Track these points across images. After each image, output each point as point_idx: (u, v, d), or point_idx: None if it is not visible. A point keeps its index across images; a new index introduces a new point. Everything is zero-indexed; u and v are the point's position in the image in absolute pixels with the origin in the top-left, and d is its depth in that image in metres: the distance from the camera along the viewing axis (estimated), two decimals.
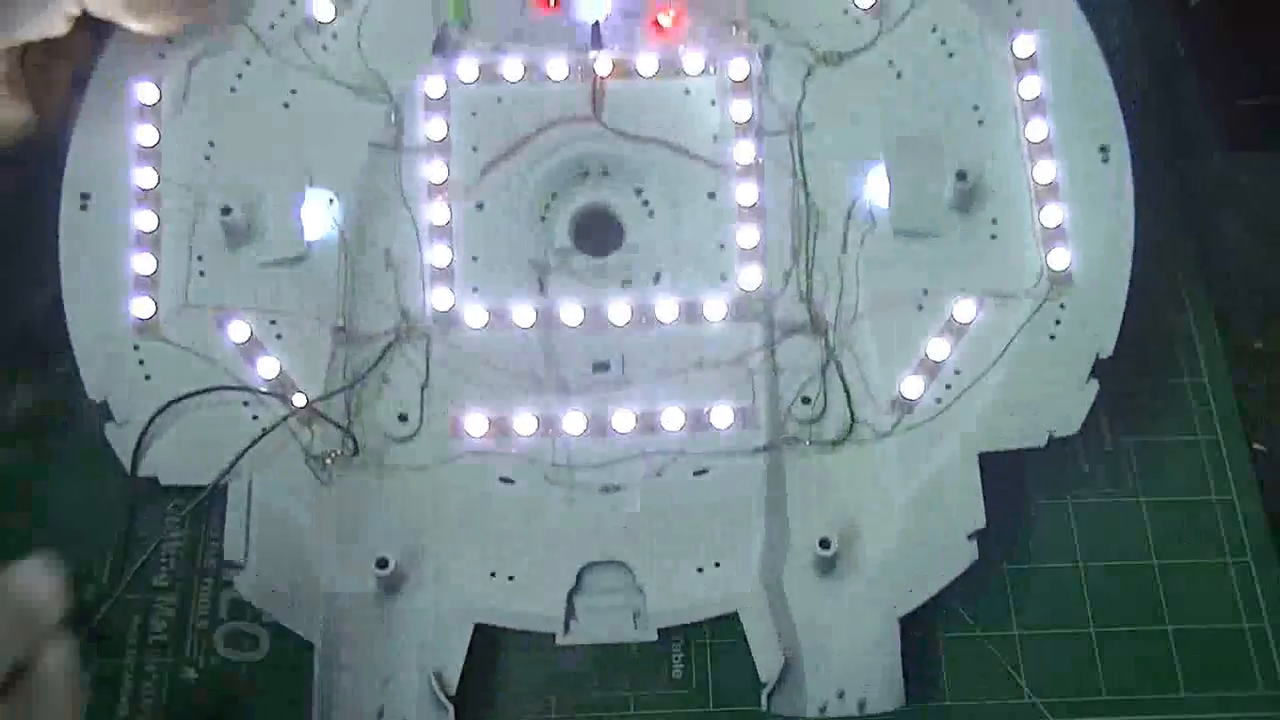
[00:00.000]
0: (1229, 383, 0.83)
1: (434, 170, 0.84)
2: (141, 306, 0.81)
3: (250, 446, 0.78)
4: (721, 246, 0.82)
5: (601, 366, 0.81)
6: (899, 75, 0.83)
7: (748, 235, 0.82)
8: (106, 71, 0.85)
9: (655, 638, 0.75)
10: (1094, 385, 0.77)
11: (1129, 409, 0.81)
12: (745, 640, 0.76)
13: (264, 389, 0.80)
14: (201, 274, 0.82)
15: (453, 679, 0.74)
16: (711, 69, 0.85)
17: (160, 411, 0.78)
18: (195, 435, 0.79)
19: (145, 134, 0.84)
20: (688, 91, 0.85)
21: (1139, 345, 0.79)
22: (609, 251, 0.84)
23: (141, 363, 0.80)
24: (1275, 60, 0.87)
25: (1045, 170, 0.80)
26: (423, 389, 0.81)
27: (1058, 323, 0.78)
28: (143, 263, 0.82)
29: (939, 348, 0.78)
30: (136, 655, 0.79)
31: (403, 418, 0.80)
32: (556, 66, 0.85)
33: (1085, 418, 0.76)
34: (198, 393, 0.79)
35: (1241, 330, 0.84)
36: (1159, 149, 0.88)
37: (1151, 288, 0.83)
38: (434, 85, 0.85)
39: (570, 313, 0.81)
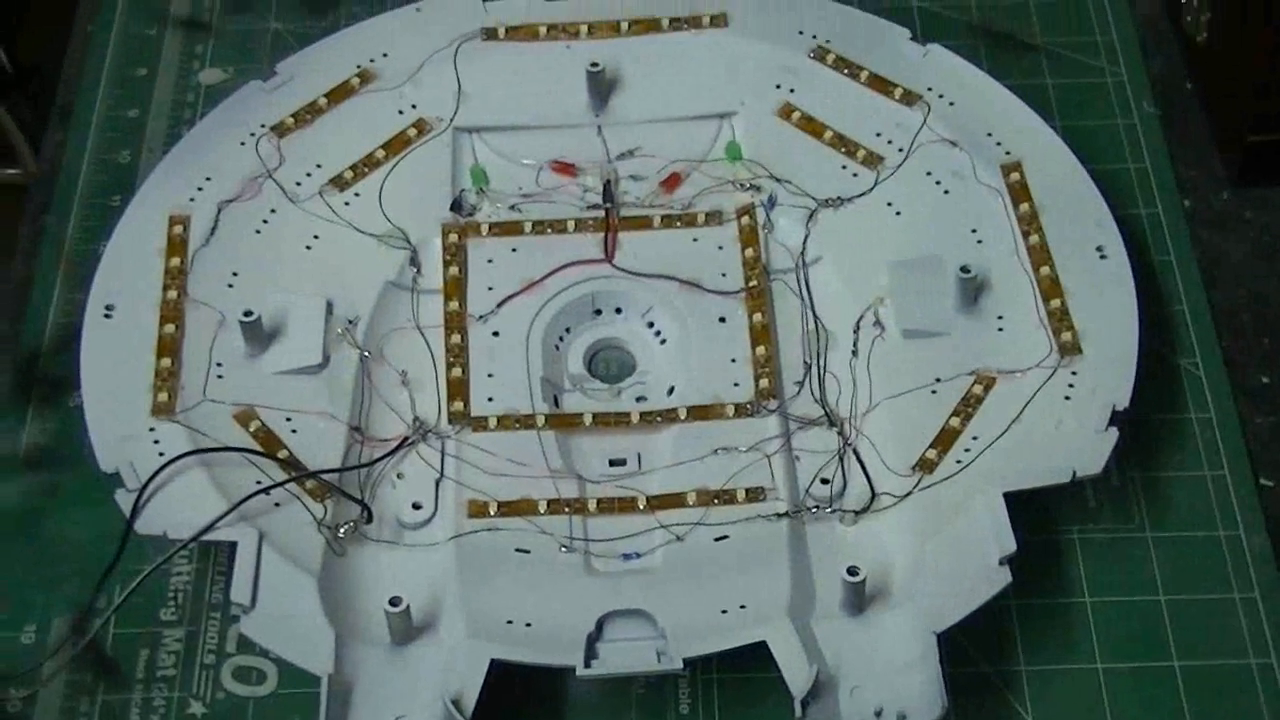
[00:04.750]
0: (1236, 418, 0.84)
1: (450, 304, 0.87)
2: (159, 394, 0.82)
3: (253, 495, 0.77)
4: (733, 360, 0.84)
5: (618, 462, 0.82)
6: (898, 213, 0.88)
7: (760, 349, 0.84)
8: (140, 204, 0.89)
9: (682, 667, 0.73)
10: (1114, 432, 0.78)
11: (1136, 444, 0.82)
12: (755, 675, 0.75)
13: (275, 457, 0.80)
14: (220, 377, 0.83)
15: (469, 705, 0.71)
16: (718, 221, 0.89)
17: (166, 465, 0.78)
18: (204, 495, 0.78)
19: (172, 260, 0.87)
20: (695, 240, 0.89)
21: (1146, 381, 0.81)
22: (623, 379, 0.86)
23: (156, 442, 0.80)
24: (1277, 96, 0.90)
25: (1045, 269, 0.84)
26: (438, 482, 0.81)
27: (1071, 385, 0.80)
28: (163, 362, 0.83)
29: (955, 420, 0.80)
30: (144, 689, 0.76)
31: (417, 506, 0.80)
32: (570, 220, 0.90)
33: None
34: (206, 450, 0.79)
35: (1248, 366, 0.86)
36: (1166, 184, 0.92)
37: (1158, 324, 0.86)
38: (452, 234, 0.89)
39: (585, 414, 0.83)
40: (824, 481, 0.80)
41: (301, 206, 0.90)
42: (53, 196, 0.94)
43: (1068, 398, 0.80)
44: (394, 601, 0.74)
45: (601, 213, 0.90)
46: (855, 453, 0.81)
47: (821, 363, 0.84)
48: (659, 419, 0.83)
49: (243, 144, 0.91)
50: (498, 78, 0.94)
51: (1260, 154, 0.92)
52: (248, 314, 0.83)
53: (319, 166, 0.91)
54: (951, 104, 0.91)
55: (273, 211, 0.89)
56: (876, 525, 0.79)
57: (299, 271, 0.87)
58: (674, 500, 0.80)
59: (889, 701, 0.72)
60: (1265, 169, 0.92)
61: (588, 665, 0.73)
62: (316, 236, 0.89)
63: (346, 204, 0.90)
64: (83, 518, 0.81)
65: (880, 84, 0.93)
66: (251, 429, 0.81)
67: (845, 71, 0.93)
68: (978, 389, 0.81)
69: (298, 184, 0.90)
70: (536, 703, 0.76)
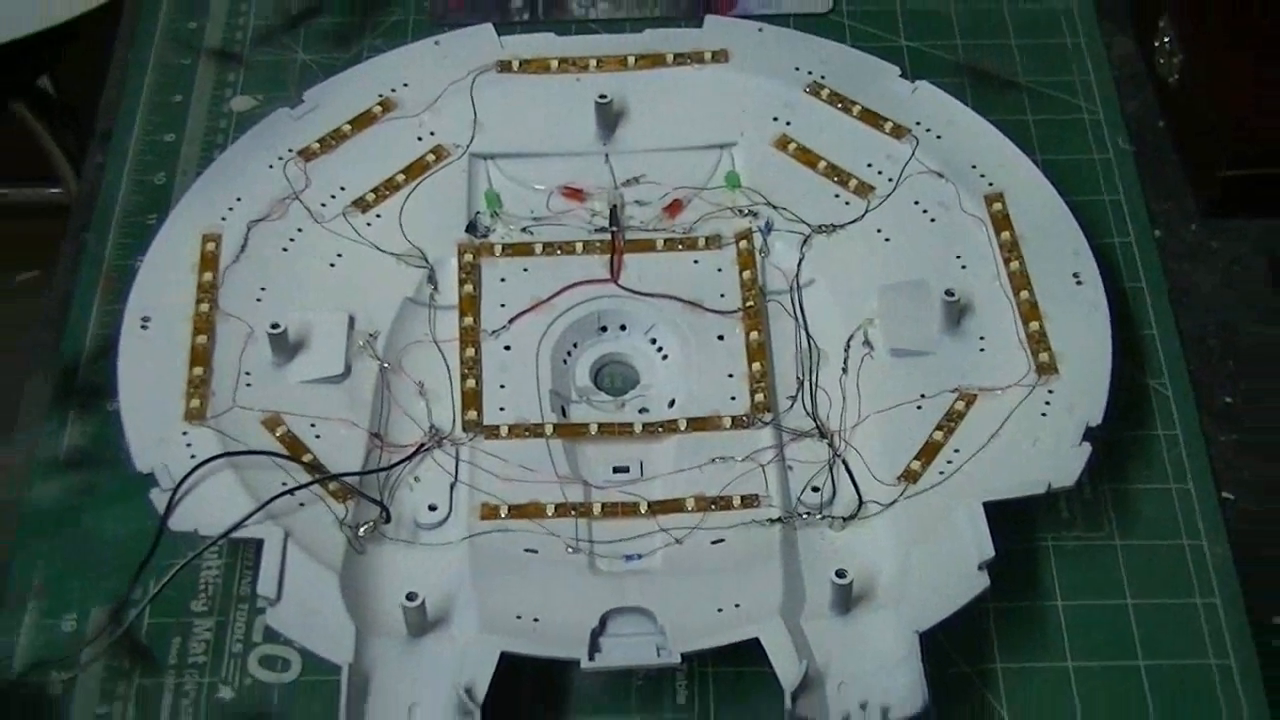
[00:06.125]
0: (1201, 436, 0.88)
1: (465, 320, 0.92)
2: (192, 400, 0.86)
3: (279, 496, 0.81)
4: (731, 375, 0.89)
5: (621, 470, 0.86)
6: (887, 240, 0.93)
7: (756, 366, 0.89)
8: (174, 222, 0.93)
9: (679, 661, 0.77)
10: (1087, 447, 0.82)
11: (1107, 459, 0.86)
12: (747, 669, 0.78)
13: (300, 460, 0.84)
14: (248, 385, 0.88)
15: (480, 693, 0.76)
16: (718, 244, 0.94)
17: (198, 467, 0.82)
18: (233, 495, 0.82)
19: (205, 275, 0.91)
20: (696, 262, 0.94)
21: (1118, 401, 0.85)
22: (626, 392, 0.91)
23: (189, 445, 0.84)
24: (1252, 134, 0.94)
25: (1025, 294, 0.88)
26: (452, 486, 0.85)
27: (1047, 403, 0.85)
28: (195, 370, 0.87)
29: (938, 434, 0.85)
30: (176, 675, 0.80)
31: (432, 508, 0.84)
32: (578, 242, 0.94)
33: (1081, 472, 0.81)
34: (236, 453, 0.83)
35: (1213, 387, 0.90)
36: (1139, 216, 0.97)
37: (1130, 347, 0.90)
38: (467, 254, 0.94)
39: (591, 424, 0.88)
40: (815, 490, 0.84)
41: (326, 226, 0.94)
42: (93, 215, 0.98)
43: (1044, 414, 0.84)
44: (410, 597, 0.77)
45: (608, 235, 0.94)
46: (844, 463, 0.85)
47: (813, 379, 0.88)
48: (660, 430, 0.87)
49: (271, 167, 0.95)
50: (511, 108, 0.99)
51: (1233, 188, 0.96)
52: (275, 326, 0.87)
53: (343, 189, 0.95)
54: (938, 138, 0.96)
55: (299, 231, 0.93)
56: (864, 531, 0.83)
57: (323, 287, 0.92)
58: (674, 506, 0.84)
59: (873, 696, 0.76)
60: (1237, 202, 0.96)
61: (592, 658, 0.77)
62: (340, 255, 0.93)
63: (368, 225, 0.94)
64: (119, 515, 0.85)
65: (871, 118, 0.97)
66: (278, 434, 0.85)
67: (839, 106, 0.98)
68: (960, 405, 0.86)
69: (322, 205, 0.94)
70: (543, 692, 0.80)
